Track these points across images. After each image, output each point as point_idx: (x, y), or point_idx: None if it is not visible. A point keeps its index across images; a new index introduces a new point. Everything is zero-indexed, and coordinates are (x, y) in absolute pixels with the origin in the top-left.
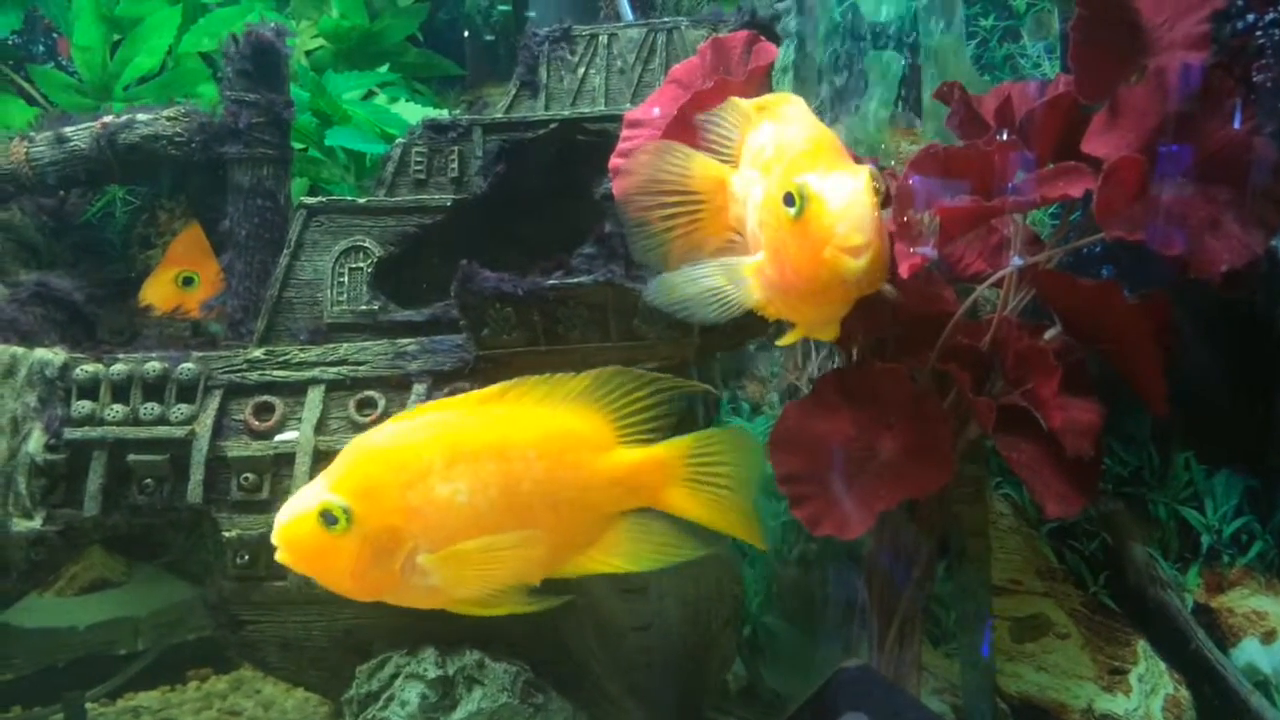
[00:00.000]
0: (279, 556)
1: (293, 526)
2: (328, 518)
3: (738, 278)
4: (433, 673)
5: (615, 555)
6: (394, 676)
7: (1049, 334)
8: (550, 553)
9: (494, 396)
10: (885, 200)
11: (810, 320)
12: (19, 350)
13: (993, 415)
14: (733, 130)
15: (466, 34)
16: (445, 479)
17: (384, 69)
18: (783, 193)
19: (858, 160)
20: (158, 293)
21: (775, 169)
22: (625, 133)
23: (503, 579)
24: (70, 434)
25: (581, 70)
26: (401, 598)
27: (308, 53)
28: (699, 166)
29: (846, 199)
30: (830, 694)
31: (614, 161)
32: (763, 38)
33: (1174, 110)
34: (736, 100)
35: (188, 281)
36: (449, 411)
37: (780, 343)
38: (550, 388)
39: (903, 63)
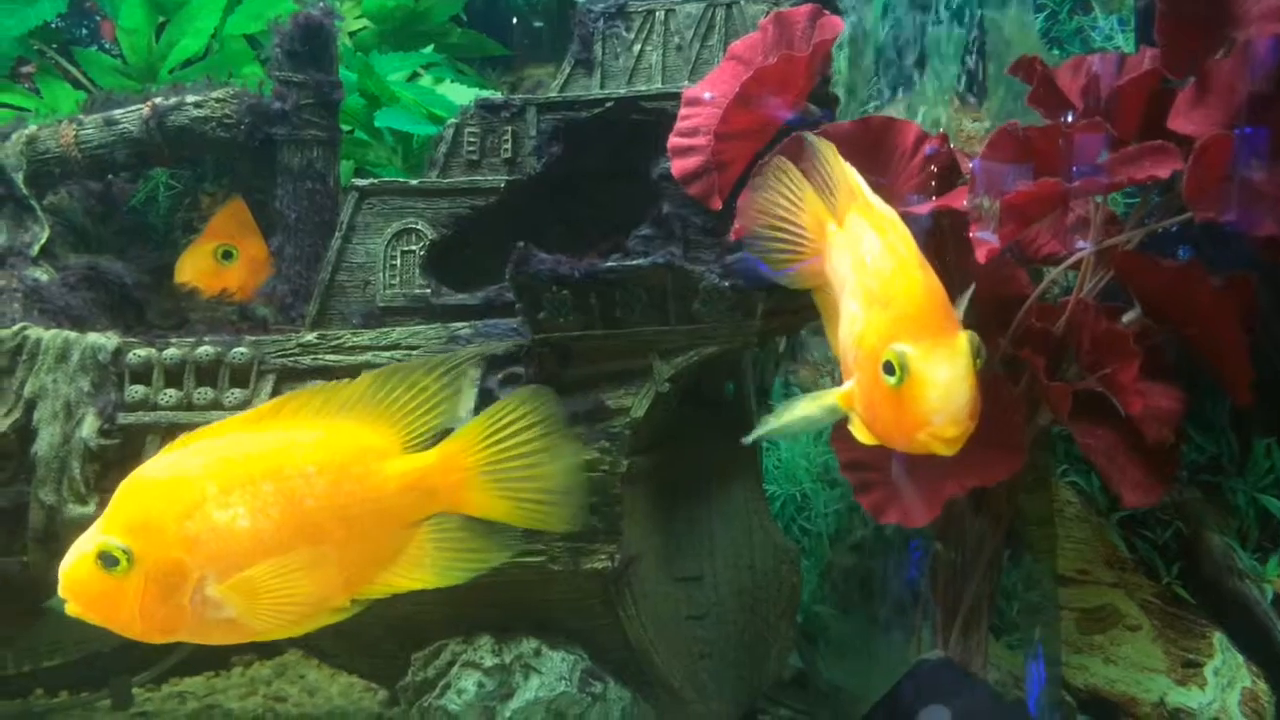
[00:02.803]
0: (69, 609)
1: (74, 574)
2: (107, 559)
3: (830, 407)
4: (489, 661)
5: (422, 569)
6: (450, 664)
7: (1127, 317)
8: (349, 571)
9: (269, 413)
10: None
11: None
12: (71, 335)
13: (1068, 401)
14: (835, 182)
15: (515, 20)
16: (222, 504)
17: (428, 49)
18: (884, 359)
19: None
20: (195, 266)
21: (876, 308)
22: (684, 111)
23: (301, 602)
24: (124, 419)
25: (638, 47)
26: (199, 634)
27: (351, 34)
28: (810, 201)
29: (947, 388)
30: (910, 687)
31: (672, 141)
32: (826, 11)
33: (1264, 85)
34: (849, 171)
35: (227, 255)
36: (223, 434)
37: (861, 436)
38: (327, 396)
39: (965, 37)
